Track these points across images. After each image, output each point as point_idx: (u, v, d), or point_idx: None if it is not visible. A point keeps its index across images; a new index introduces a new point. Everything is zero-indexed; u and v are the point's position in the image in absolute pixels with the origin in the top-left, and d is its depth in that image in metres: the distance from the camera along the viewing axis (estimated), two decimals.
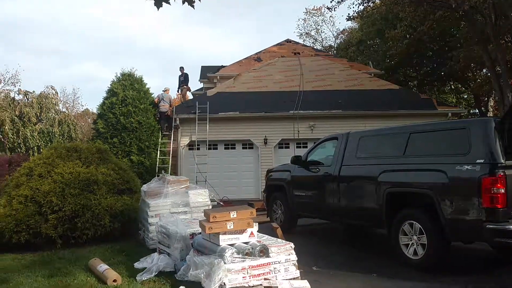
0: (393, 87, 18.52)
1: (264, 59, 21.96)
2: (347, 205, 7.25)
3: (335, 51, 37.78)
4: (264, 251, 5.34)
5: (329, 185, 7.56)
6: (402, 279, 5.65)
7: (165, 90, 16.56)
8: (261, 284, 5.10)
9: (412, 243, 5.97)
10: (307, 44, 35.21)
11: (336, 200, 7.40)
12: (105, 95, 16.18)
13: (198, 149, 15.99)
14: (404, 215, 6.16)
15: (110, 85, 16.16)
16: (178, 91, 19.44)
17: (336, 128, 13.32)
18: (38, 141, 15.32)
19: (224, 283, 4.98)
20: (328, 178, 7.56)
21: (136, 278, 5.85)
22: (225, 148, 16.47)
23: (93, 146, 9.60)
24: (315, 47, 34.61)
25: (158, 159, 15.30)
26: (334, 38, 43.35)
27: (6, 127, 14.46)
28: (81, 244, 7.89)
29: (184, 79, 19.55)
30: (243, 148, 16.50)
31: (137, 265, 6.48)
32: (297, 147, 15.87)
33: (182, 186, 8.04)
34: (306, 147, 15.06)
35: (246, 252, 5.26)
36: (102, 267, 6.06)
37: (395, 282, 5.59)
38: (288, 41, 25.21)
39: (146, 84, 16.77)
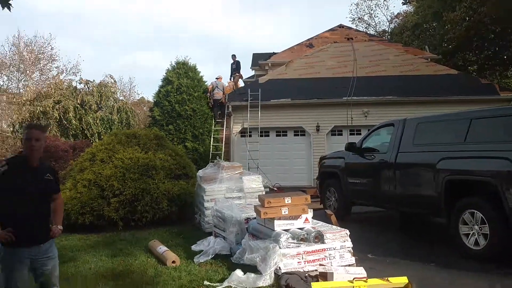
0: (451, 72, 17.73)
1: (316, 45, 21.69)
2: (403, 192, 7.09)
3: (389, 36, 36.65)
4: (319, 237, 5.36)
5: (385, 172, 7.42)
6: (463, 269, 5.48)
7: (218, 78, 16.79)
8: (316, 270, 5.13)
9: (473, 233, 5.76)
10: (360, 29, 34.34)
11: (392, 188, 7.26)
12: (160, 83, 16.68)
13: (250, 136, 16.12)
14: (465, 204, 5.95)
15: (165, 73, 16.61)
16: (230, 79, 19.64)
17: (391, 115, 12.96)
18: (99, 128, 16.00)
19: (279, 267, 5.06)
20: (384, 165, 7.42)
21: (194, 260, 6.05)
22: (276, 135, 16.50)
23: (151, 132, 9.95)
24: (368, 32, 33.72)
25: (211, 146, 15.60)
26: (388, 23, 41.98)
27: (70, 115, 15.23)
28: (141, 226, 8.23)
29: (236, 67, 19.71)
30: (295, 135, 16.46)
31: (194, 247, 6.69)
32: (350, 134, 15.62)
33: (236, 172, 8.18)
34: (360, 134, 14.81)
35: (301, 238, 5.30)
36: (162, 248, 6.31)
37: (455, 272, 5.43)
38: (340, 26, 24.73)
39: (200, 72, 17.13)
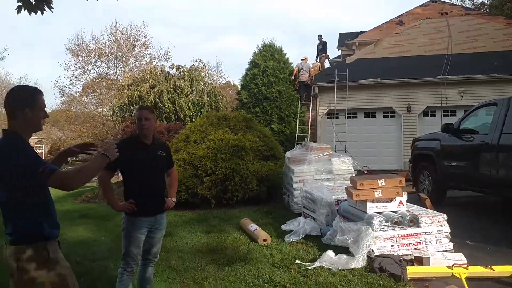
0: None
1: (406, 22, 20.63)
2: (506, 176, 6.59)
3: (488, 9, 33.76)
4: (414, 221, 5.18)
5: (486, 155, 6.93)
6: None
7: (304, 59, 16.65)
8: (411, 254, 4.99)
9: None
10: (455, 3, 31.99)
11: (494, 171, 6.77)
12: (247, 66, 16.94)
13: (336, 117, 15.87)
14: None
15: (252, 56, 16.83)
16: (316, 60, 19.39)
17: (491, 95, 12.04)
18: (191, 111, 16.67)
19: (372, 250, 4.98)
20: (485, 148, 6.93)
21: (284, 239, 6.15)
22: (365, 117, 16.07)
23: (240, 114, 10.20)
24: (464, 6, 31.32)
25: (297, 128, 15.62)
26: None
27: (164, 98, 16.04)
28: (232, 205, 8.52)
29: (322, 48, 19.40)
30: (384, 116, 15.91)
31: (283, 227, 6.80)
32: (444, 115, 14.72)
33: (325, 154, 8.13)
34: (455, 115, 13.96)
35: (395, 221, 5.17)
36: (253, 226, 6.50)
37: None
38: (433, 1, 23.21)
39: (286, 54, 17.12)
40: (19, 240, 2.41)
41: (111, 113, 18.89)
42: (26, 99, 2.50)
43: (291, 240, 6.07)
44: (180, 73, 17.79)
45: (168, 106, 15.92)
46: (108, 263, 5.52)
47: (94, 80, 33.61)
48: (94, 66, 33.07)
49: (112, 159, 2.60)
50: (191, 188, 8.46)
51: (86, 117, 34.54)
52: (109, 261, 5.63)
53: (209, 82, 19.53)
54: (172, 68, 18.24)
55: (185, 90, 16.72)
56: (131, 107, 16.24)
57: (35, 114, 2.51)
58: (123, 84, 18.23)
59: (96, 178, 3.91)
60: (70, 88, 33.35)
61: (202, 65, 18.86)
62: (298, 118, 15.84)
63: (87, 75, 34.54)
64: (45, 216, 2.50)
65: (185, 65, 17.94)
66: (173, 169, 4.25)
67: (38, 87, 2.67)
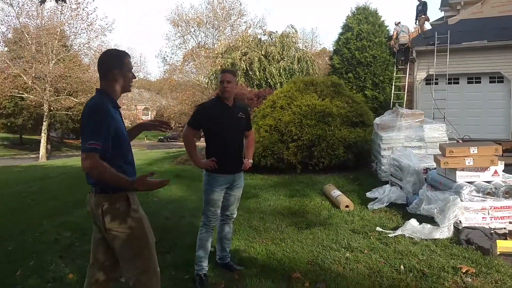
0: None
1: None
2: None
3: None
4: (510, 193, 4.76)
5: None
6: None
7: (397, 24, 15.67)
8: (505, 228, 4.62)
9: None
10: None
11: None
12: (340, 31, 16.39)
13: (436, 83, 14.83)
14: None
15: (345, 20, 16.20)
16: (415, 22, 18.13)
17: None
18: (281, 78, 16.68)
19: (459, 221, 4.70)
20: None
21: (368, 206, 6.02)
22: (468, 82, 14.82)
23: (328, 79, 9.98)
24: None
25: (392, 94, 14.91)
26: None
27: (255, 65, 16.20)
28: (317, 171, 8.49)
29: (422, 8, 18.00)
30: (490, 82, 14.53)
31: (368, 194, 6.64)
32: None
33: (417, 120, 7.69)
34: None
35: (488, 192, 4.79)
36: (336, 192, 6.44)
37: None
38: None
39: (381, 17, 16.21)
40: (102, 189, 2.63)
41: (206, 80, 19.56)
42: (114, 61, 2.69)
43: (375, 207, 5.93)
44: (271, 39, 17.78)
45: (259, 73, 16.05)
46: (194, 220, 5.84)
47: (193, 49, 34.88)
48: (193, 36, 34.28)
49: (139, 190, 2.60)
50: (276, 153, 8.56)
51: (186, 85, 36.23)
52: (196, 218, 5.94)
53: (301, 48, 19.27)
54: (264, 34, 18.32)
55: (276, 56, 16.70)
56: None
57: (123, 75, 2.69)
58: (217, 52, 18.72)
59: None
60: (171, 57, 35.07)
61: (294, 31, 18.63)
62: (393, 84, 15.08)
63: (186, 45, 35.89)
64: (125, 166, 2.69)
65: (276, 32, 17.89)
66: (251, 131, 4.34)
67: (127, 51, 2.85)
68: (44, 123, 31.17)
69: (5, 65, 29.29)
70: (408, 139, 7.54)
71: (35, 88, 29.39)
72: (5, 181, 11.28)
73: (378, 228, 5.05)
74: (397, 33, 15.36)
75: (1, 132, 43.25)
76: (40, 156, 30.32)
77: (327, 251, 4.48)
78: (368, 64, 15.13)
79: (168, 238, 5.28)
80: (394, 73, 15.27)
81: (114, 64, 2.66)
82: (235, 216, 4.28)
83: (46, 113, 30.57)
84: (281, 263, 4.24)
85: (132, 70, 2.77)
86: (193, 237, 4.87)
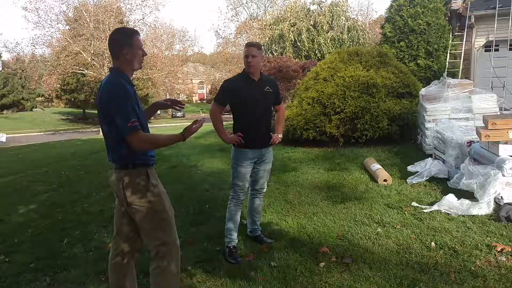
0: None
1: None
2: None
3: None
4: None
5: None
6: None
7: None
8: None
9: None
10: None
11: None
12: None
13: (496, 50, 13.86)
14: None
15: None
16: None
17: None
18: (329, 48, 16.31)
19: (501, 197, 4.48)
20: None
21: (407, 180, 5.87)
22: None
23: (374, 49, 9.65)
24: None
25: (447, 63, 14.14)
26: None
27: (303, 36, 15.92)
28: (361, 144, 8.33)
29: None
30: None
31: (410, 168, 6.45)
32: None
33: (465, 90, 7.29)
34: None
35: None
36: (375, 166, 6.32)
37: None
38: None
39: None
40: (122, 165, 2.75)
41: None
42: (124, 39, 2.74)
43: (414, 182, 5.78)
44: (321, 9, 17.33)
45: (307, 44, 15.76)
46: None
47: (246, 21, 34.75)
48: (245, 7, 34.08)
49: (187, 138, 2.77)
50: (319, 126, 8.46)
51: (239, 58, 36.32)
52: None
53: (352, 17, 18.62)
54: (313, 4, 17.82)
55: (325, 26, 16.29)
56: (272, 46, 16.49)
57: (133, 53, 2.75)
58: (265, 23, 18.52)
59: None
60: (224, 30, 35.20)
61: None
62: (448, 52, 14.28)
63: (238, 17, 35.80)
64: None
65: (325, 0, 17.39)
66: (281, 105, 4.32)
67: (136, 28, 2.91)
68: None
69: (66, 43, 30.65)
70: (455, 111, 7.18)
71: (94, 65, 30.62)
72: (64, 155, 12.00)
73: (414, 203, 4.93)
74: None
75: (65, 107, 45.71)
76: (100, 130, 31.79)
77: (358, 226, 4.46)
78: (422, 31, 14.38)
79: (204, 210, 5.45)
80: (450, 41, 14.44)
81: (124, 43, 2.71)
82: (265, 190, 4.33)
83: None
84: (311, 237, 4.27)
85: (142, 47, 2.82)
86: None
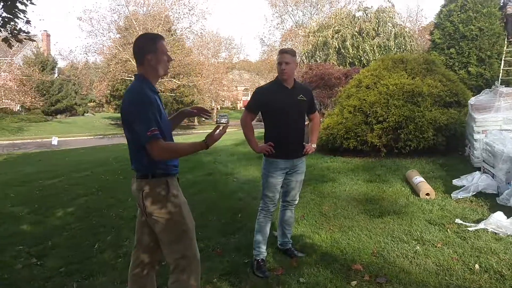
0: None
1: None
2: None
3: None
4: None
5: None
6: None
7: None
8: None
9: None
10: None
11: None
12: (442, 2, 15.02)
13: None
14: None
15: None
16: None
17: None
18: (375, 55, 15.90)
19: None
20: None
21: (451, 195, 5.51)
22: None
23: (420, 56, 9.23)
24: None
25: (501, 71, 13.39)
26: None
27: (348, 43, 15.59)
28: (404, 155, 7.96)
29: None
30: None
31: (456, 182, 6.07)
32: None
33: None
34: None
35: None
36: (418, 179, 5.98)
37: None
38: None
39: None
40: (143, 175, 2.68)
41: (298, 60, 19.27)
42: (148, 45, 2.66)
43: (459, 196, 5.41)
44: (366, 15, 16.92)
45: (351, 51, 15.41)
46: None
47: (292, 28, 34.77)
48: (291, 15, 34.10)
49: (210, 145, 2.67)
50: (360, 135, 8.17)
51: None
52: None
53: (399, 23, 18.06)
54: (358, 10, 17.46)
55: (371, 33, 15.87)
56: (315, 53, 16.26)
57: (158, 59, 2.67)
58: (309, 30, 18.32)
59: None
60: (269, 38, 35.38)
61: (391, 5, 17.52)
62: (503, 59, 13.51)
63: (284, 25, 35.86)
64: None
65: (371, 7, 16.98)
66: (315, 114, 4.15)
67: (161, 34, 2.82)
68: None
69: (116, 50, 31.69)
70: (507, 121, 6.70)
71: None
72: (107, 159, 12.27)
73: (457, 220, 4.59)
74: (504, 2, 13.68)
75: (114, 112, 47.25)
76: None
77: (396, 243, 4.20)
78: (474, 37, 13.72)
79: (236, 219, 5.34)
80: (504, 47, 13.68)
81: (148, 49, 2.64)
82: (297, 202, 4.16)
83: None
84: (344, 253, 4.06)
85: (168, 52, 2.74)
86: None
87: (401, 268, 3.65)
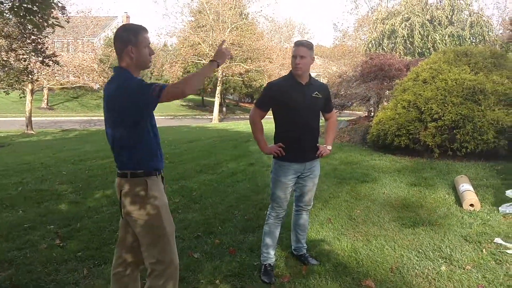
0: None
1: None
2: None
3: None
4: None
5: None
6: None
7: None
8: None
9: None
10: None
11: None
12: None
13: None
14: None
15: None
16: None
17: None
18: (447, 45, 14.81)
19: None
20: None
21: (500, 208, 4.95)
22: None
23: (487, 49, 8.37)
24: None
25: None
26: None
27: (416, 32, 14.63)
28: (459, 157, 7.34)
29: None
30: None
31: (509, 193, 5.42)
32: None
33: None
34: None
35: None
36: (464, 186, 5.45)
37: None
38: None
39: None
40: (123, 173, 2.59)
41: (364, 48, 18.43)
42: (128, 37, 2.52)
43: (507, 211, 4.84)
44: (439, 2, 15.73)
45: (420, 41, 14.43)
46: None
47: (367, 14, 33.71)
48: (366, 0, 32.98)
49: (221, 64, 2.57)
50: (412, 133, 7.62)
51: (355, 52, 35.36)
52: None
53: (475, 11, 16.61)
54: None
55: (443, 21, 14.73)
56: (382, 41, 15.44)
57: (139, 52, 2.54)
58: (376, 18, 17.41)
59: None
60: (342, 23, 34.44)
61: None
62: None
63: (358, 10, 34.85)
64: (147, 153, 2.61)
65: None
66: (332, 113, 3.82)
67: (143, 25, 2.66)
68: (217, 87, 33.73)
69: (188, 33, 32.29)
70: None
71: (210, 55, 31.85)
72: (163, 141, 12.54)
73: (497, 239, 4.09)
74: None
75: None
76: (213, 118, 33.11)
77: (420, 259, 3.82)
78: None
79: (260, 215, 5.17)
80: None
81: (129, 40, 2.50)
82: (310, 207, 3.90)
83: (219, 78, 33.01)
84: (360, 265, 3.76)
85: (150, 45, 2.59)
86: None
87: None
